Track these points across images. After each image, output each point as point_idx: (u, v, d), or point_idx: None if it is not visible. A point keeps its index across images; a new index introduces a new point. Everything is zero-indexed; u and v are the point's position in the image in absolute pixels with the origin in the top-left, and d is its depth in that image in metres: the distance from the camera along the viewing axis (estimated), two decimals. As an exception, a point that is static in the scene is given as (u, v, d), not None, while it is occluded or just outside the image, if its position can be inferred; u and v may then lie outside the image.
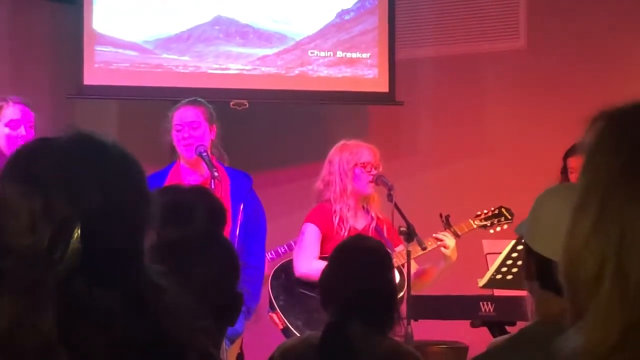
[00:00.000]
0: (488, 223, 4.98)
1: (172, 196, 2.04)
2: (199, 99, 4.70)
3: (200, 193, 2.06)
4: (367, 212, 4.82)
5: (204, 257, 1.98)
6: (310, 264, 4.67)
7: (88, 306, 1.13)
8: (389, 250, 3.09)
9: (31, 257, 1.12)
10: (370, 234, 4.56)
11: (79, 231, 1.13)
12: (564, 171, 5.74)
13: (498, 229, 4.99)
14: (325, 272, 2.88)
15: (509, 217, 5.00)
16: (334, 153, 4.83)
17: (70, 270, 1.12)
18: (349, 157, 4.75)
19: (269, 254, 5.44)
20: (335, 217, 4.71)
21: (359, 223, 4.77)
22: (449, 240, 4.75)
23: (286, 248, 5.47)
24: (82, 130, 1.24)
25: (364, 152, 4.78)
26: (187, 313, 1.20)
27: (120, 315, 1.14)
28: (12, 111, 4.52)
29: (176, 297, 1.21)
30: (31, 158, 1.21)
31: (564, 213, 1.92)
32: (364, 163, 4.73)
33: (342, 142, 4.88)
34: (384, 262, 2.85)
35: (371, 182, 4.73)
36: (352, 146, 4.81)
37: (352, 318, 2.65)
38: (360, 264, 2.78)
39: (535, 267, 1.98)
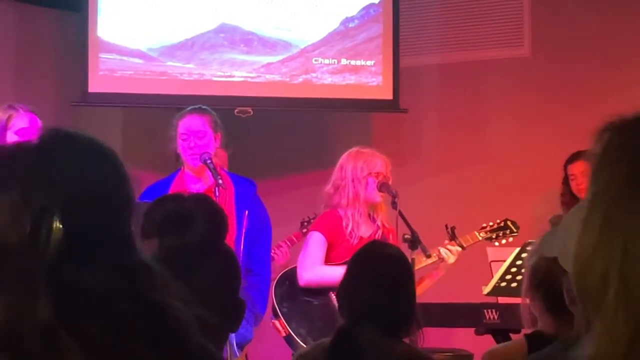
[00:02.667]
0: (493, 235, 4.97)
1: (173, 204, 2.04)
2: (204, 107, 4.69)
3: (201, 201, 2.07)
4: (374, 220, 4.82)
5: (205, 265, 1.99)
6: (313, 271, 4.67)
7: (81, 287, 1.15)
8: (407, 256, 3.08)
9: (17, 249, 1.14)
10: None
11: (60, 216, 1.15)
12: (565, 181, 5.74)
13: (503, 241, 4.98)
14: (343, 279, 2.88)
15: (515, 230, 4.99)
16: (346, 159, 4.81)
17: (58, 255, 1.14)
18: (363, 165, 4.75)
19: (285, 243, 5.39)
20: (347, 224, 4.70)
21: (365, 231, 4.77)
22: (451, 258, 4.75)
23: (294, 239, 5.43)
24: (53, 128, 1.28)
25: (378, 162, 4.77)
26: (180, 297, 1.22)
27: (114, 293, 1.16)
28: (21, 120, 4.54)
29: (168, 281, 1.23)
30: (6, 157, 1.24)
31: None
32: (377, 173, 4.74)
33: (356, 148, 4.86)
34: (402, 268, 2.84)
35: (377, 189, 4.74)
36: (366, 155, 4.80)
37: (364, 323, 2.65)
38: (378, 270, 2.78)
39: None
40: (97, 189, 1.21)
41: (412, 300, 2.83)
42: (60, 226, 1.15)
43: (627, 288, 1.03)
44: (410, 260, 4.44)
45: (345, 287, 2.84)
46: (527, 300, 2.57)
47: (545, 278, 2.30)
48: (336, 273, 4.16)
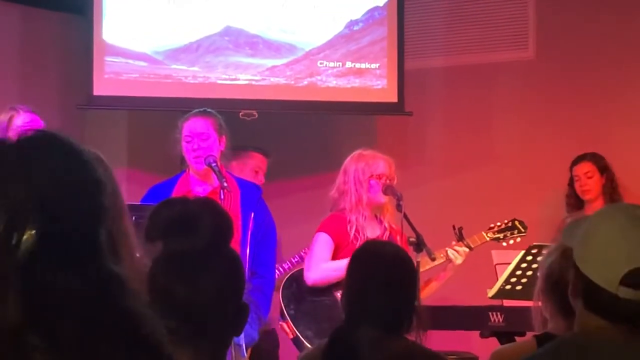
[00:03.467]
0: (501, 236, 4.96)
1: (178, 207, 2.04)
2: (209, 110, 4.71)
3: (206, 204, 2.06)
4: (380, 222, 4.82)
5: (209, 268, 1.98)
6: (318, 269, 4.67)
7: (51, 289, 1.14)
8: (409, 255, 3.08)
9: None
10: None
11: (35, 217, 1.15)
12: (571, 182, 5.73)
13: (511, 242, 4.97)
14: (344, 279, 2.89)
15: (522, 230, 4.98)
16: (349, 162, 4.81)
17: (29, 256, 1.14)
18: (365, 167, 4.74)
19: (285, 264, 5.44)
20: (351, 228, 4.70)
21: (372, 233, 4.76)
22: (459, 259, 4.75)
23: (298, 258, 5.47)
24: (37, 130, 1.27)
25: (380, 163, 4.77)
26: (148, 306, 1.21)
27: (86, 295, 1.15)
28: (22, 120, 4.55)
29: (140, 292, 1.23)
30: None
31: (618, 241, 1.92)
32: (379, 175, 4.73)
33: (358, 151, 4.86)
34: (401, 267, 2.84)
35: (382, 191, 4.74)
36: (368, 157, 4.79)
37: (364, 322, 2.65)
38: (377, 269, 2.78)
39: (582, 287, 1.98)
40: (72, 193, 1.20)
41: (413, 298, 2.82)
42: (34, 228, 1.14)
43: None
44: (415, 263, 4.46)
45: (344, 287, 2.85)
46: (539, 303, 2.55)
47: (561, 279, 2.28)
48: (341, 266, 4.17)
